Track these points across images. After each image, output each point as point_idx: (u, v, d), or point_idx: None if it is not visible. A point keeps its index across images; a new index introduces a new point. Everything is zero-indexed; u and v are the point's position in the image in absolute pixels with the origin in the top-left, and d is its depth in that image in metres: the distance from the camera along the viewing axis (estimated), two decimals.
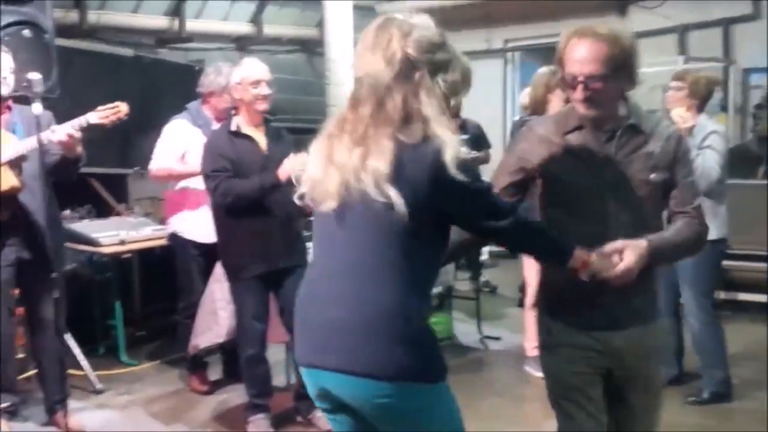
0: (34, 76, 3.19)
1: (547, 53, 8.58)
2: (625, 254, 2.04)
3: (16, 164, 3.46)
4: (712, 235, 3.83)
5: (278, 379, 4.13)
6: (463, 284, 6.29)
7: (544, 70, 4.48)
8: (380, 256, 1.82)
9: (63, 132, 3.34)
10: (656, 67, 6.31)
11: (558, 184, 2.21)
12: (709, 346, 4.01)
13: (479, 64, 8.75)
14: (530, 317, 4.58)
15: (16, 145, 3.44)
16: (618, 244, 2.06)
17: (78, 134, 3.37)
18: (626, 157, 2.16)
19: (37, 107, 3.22)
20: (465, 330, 5.39)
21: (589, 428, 2.21)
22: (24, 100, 3.50)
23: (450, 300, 5.40)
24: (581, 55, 2.09)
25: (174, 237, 4.34)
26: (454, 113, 1.96)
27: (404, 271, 1.82)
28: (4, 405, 3.17)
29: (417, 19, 1.89)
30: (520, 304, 5.44)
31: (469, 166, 1.83)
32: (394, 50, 1.82)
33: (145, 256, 5.18)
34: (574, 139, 2.20)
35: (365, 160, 1.80)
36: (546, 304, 2.33)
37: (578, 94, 2.11)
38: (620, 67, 2.08)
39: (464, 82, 1.96)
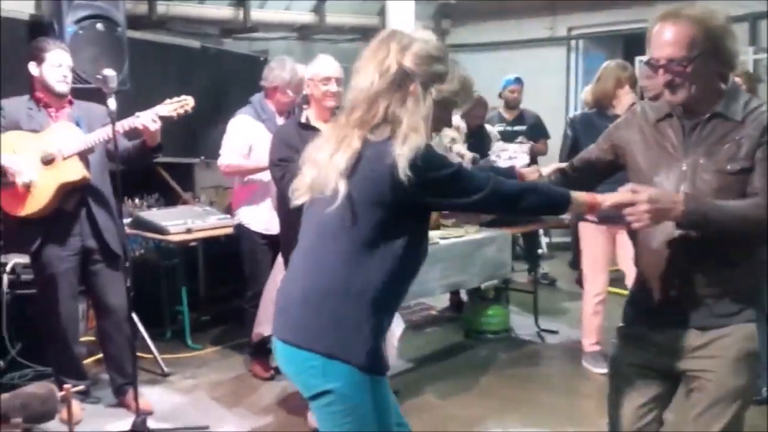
0: (109, 72, 3.30)
1: (613, 41, 8.50)
2: (639, 192, 2.00)
3: (84, 156, 3.60)
4: None
5: None
6: (521, 276, 6.27)
7: (612, 63, 4.39)
8: (327, 243, 2.00)
9: (148, 118, 3.47)
10: None
11: (638, 174, 2.20)
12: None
13: (542, 52, 8.64)
14: (587, 313, 4.55)
15: (86, 138, 3.57)
16: (637, 186, 2.04)
17: (159, 123, 3.49)
18: (711, 147, 2.08)
19: (111, 103, 3.34)
20: (522, 323, 5.38)
21: (621, 422, 2.29)
22: (90, 94, 3.63)
23: (507, 293, 5.38)
24: (663, 39, 2.06)
25: (240, 227, 4.42)
26: (448, 122, 2.13)
27: (352, 260, 1.96)
28: (78, 387, 3.30)
29: (419, 34, 2.03)
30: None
31: (432, 157, 1.93)
32: (389, 63, 1.96)
33: (210, 243, 5.32)
34: (663, 127, 2.17)
35: (332, 156, 1.98)
36: (630, 293, 2.37)
37: (660, 79, 2.08)
38: (708, 49, 2.02)
39: (463, 93, 2.09)
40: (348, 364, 1.94)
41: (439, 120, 2.07)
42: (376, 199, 1.94)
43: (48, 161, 3.56)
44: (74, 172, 3.58)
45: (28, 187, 3.55)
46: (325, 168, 1.99)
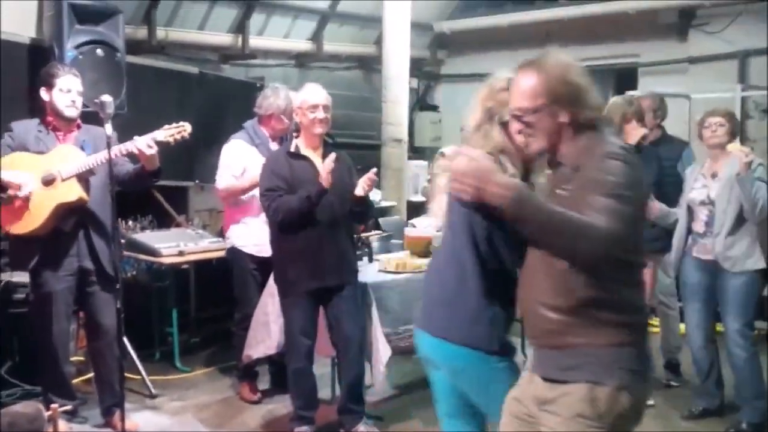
0: (107, 98, 3.38)
1: (605, 75, 8.59)
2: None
3: (83, 177, 3.67)
4: (758, 264, 3.88)
5: (324, 392, 4.23)
6: None
7: (619, 99, 4.38)
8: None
9: (144, 142, 3.54)
10: (716, 93, 6.25)
11: None
12: (751, 377, 3.98)
13: None
14: None
15: (85, 160, 3.65)
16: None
17: (155, 147, 3.57)
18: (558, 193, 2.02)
19: (108, 128, 3.41)
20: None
21: None
22: (93, 119, 3.71)
23: None
24: (514, 89, 2.09)
25: (232, 250, 4.46)
26: None
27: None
28: (63, 408, 3.33)
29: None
30: None
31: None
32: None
33: (202, 265, 5.36)
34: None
35: None
36: None
37: (513, 128, 2.11)
38: (557, 98, 2.00)
39: None
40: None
41: None
42: None
43: (48, 182, 3.64)
44: (71, 193, 3.64)
45: (27, 200, 3.62)
46: None
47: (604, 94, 8.12)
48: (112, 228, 3.69)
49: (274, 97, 4.37)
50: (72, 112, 3.76)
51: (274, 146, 4.37)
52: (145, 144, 3.58)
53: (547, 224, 1.87)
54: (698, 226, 4.04)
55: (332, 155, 3.58)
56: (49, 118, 3.78)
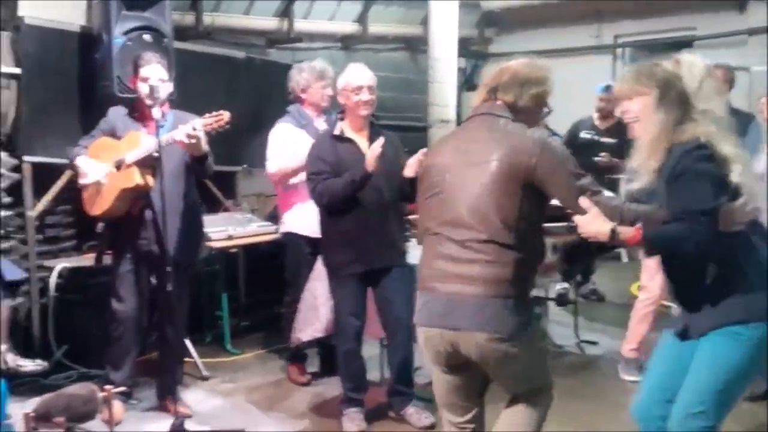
0: (156, 83, 3.41)
1: (660, 49, 8.37)
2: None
3: (146, 164, 3.69)
4: None
5: (373, 375, 4.22)
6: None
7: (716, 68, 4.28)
8: None
9: (183, 133, 3.56)
10: None
11: None
12: None
13: (587, 60, 8.56)
14: (635, 318, 4.50)
15: (143, 146, 3.69)
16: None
17: (197, 134, 3.57)
18: None
19: (156, 112, 3.45)
20: (561, 333, 5.33)
21: None
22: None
23: (545, 302, 5.34)
24: None
25: (288, 235, 4.43)
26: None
27: None
28: (118, 389, 3.39)
29: None
30: None
31: None
32: None
33: (251, 250, 5.40)
34: None
35: None
36: None
37: None
38: None
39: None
40: None
41: None
42: None
43: (119, 166, 3.71)
44: (132, 178, 3.70)
45: (97, 187, 3.73)
46: None
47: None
48: (190, 212, 3.80)
49: (296, 76, 4.37)
50: (150, 101, 3.75)
51: (320, 123, 4.34)
52: (184, 135, 3.58)
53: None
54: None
55: (380, 140, 3.51)
56: (137, 105, 3.85)
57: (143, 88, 3.75)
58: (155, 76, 3.77)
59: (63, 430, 2.94)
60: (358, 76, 3.68)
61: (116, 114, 3.89)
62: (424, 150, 3.58)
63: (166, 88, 3.81)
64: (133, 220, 3.80)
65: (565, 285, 5.67)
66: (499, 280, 2.30)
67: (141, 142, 3.71)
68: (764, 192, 3.83)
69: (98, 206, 3.79)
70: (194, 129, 3.55)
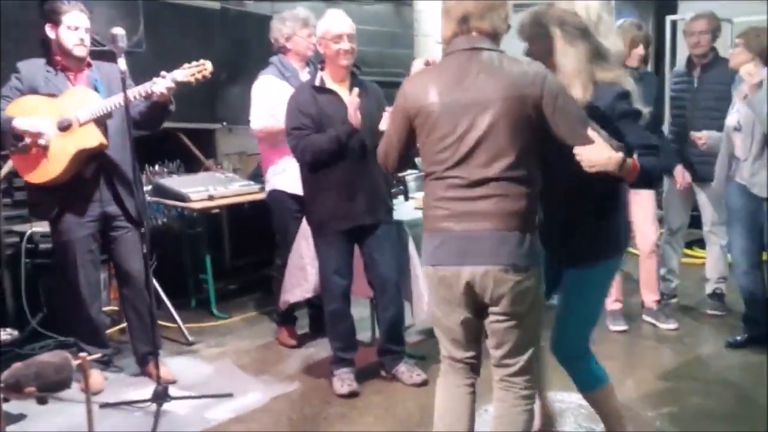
0: (118, 31, 3.18)
1: (644, 1, 8.14)
2: None
3: (101, 121, 3.50)
4: None
5: (364, 335, 4.11)
6: None
7: (626, 22, 4.28)
8: None
9: (163, 85, 3.36)
10: (761, 16, 5.81)
11: None
12: None
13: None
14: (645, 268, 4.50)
15: (102, 103, 3.47)
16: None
17: (173, 88, 3.38)
18: None
19: (122, 63, 3.22)
20: None
21: None
22: (105, 56, 3.52)
23: None
24: None
25: (273, 193, 4.24)
26: None
27: None
28: (95, 356, 3.24)
29: None
30: None
31: None
32: None
33: (234, 211, 5.23)
34: None
35: None
36: None
37: None
38: None
39: None
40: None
41: None
42: None
43: (64, 127, 3.48)
44: (91, 138, 3.48)
45: (45, 148, 3.47)
46: None
47: (644, 19, 7.70)
48: (134, 171, 3.53)
49: (278, 25, 4.17)
50: (81, 51, 3.55)
51: (305, 75, 4.14)
52: (164, 86, 3.38)
53: None
54: (737, 151, 3.90)
55: (355, 90, 3.35)
56: (57, 58, 3.57)
57: (69, 38, 3.50)
58: (83, 25, 3.53)
59: (35, 399, 2.77)
60: (338, 24, 3.49)
61: (32, 68, 3.57)
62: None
63: (89, 39, 3.58)
64: (85, 182, 3.58)
65: None
66: (513, 214, 2.28)
67: (89, 98, 3.48)
68: (739, 143, 3.79)
69: (45, 172, 3.50)
70: (174, 80, 3.34)
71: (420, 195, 4.58)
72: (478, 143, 2.27)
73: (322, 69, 3.58)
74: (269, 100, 4.08)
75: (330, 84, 3.54)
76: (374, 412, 3.47)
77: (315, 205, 3.59)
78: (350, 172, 3.47)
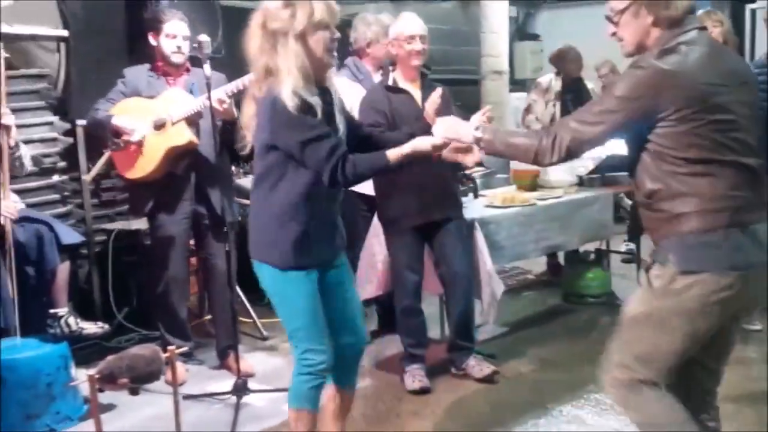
0: (204, 38, 3.34)
1: None
2: None
3: (192, 121, 3.67)
4: None
5: (433, 332, 4.15)
6: (620, 240, 6.01)
7: (703, 12, 4.13)
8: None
9: (214, 99, 3.49)
10: None
11: None
12: None
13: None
14: None
15: (191, 103, 3.63)
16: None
17: (228, 100, 3.51)
18: None
19: (207, 68, 3.38)
20: (625, 286, 5.15)
21: None
22: (196, 62, 3.69)
23: (608, 255, 5.17)
24: None
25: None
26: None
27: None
28: (183, 349, 3.39)
29: None
30: None
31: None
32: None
33: None
34: None
35: None
36: None
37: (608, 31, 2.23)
38: None
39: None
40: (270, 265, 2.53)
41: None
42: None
43: (159, 126, 3.66)
44: (181, 136, 3.66)
45: (140, 145, 3.67)
46: None
47: (721, 8, 7.52)
48: (222, 170, 3.69)
49: (364, 27, 4.26)
50: (178, 58, 3.75)
51: (377, 78, 4.23)
52: (215, 100, 3.50)
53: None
54: None
55: (438, 90, 3.41)
56: (159, 64, 3.79)
57: (168, 45, 3.70)
58: (181, 33, 3.72)
59: (127, 390, 2.93)
60: (411, 26, 3.58)
61: (137, 74, 3.80)
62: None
63: (187, 46, 3.75)
64: (176, 179, 3.75)
65: (632, 246, 5.56)
66: None
67: (183, 99, 3.65)
68: None
69: (140, 168, 3.72)
70: (238, 87, 3.48)
71: (489, 192, 4.63)
72: None
73: (393, 70, 3.68)
74: None
75: (402, 84, 3.63)
76: (446, 409, 3.51)
77: (387, 202, 3.67)
78: (421, 168, 3.50)
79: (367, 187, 4.07)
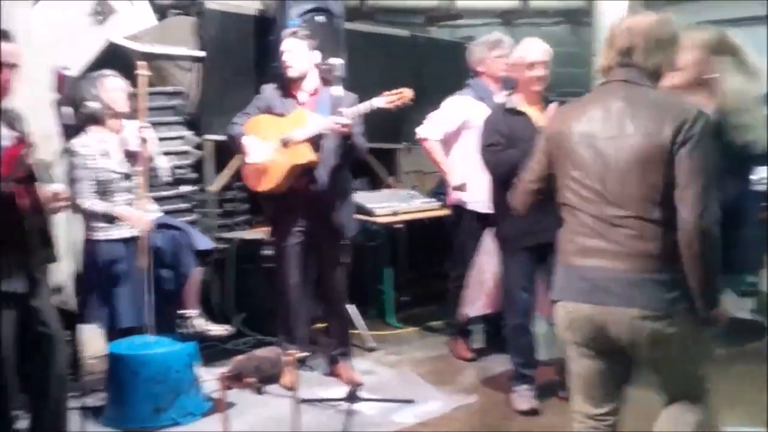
0: (336, 60, 3.53)
1: None
2: None
3: (314, 140, 3.85)
4: None
5: (542, 354, 4.14)
6: None
7: None
8: None
9: (337, 122, 3.68)
10: None
11: None
12: None
13: (761, 31, 7.95)
14: None
15: (317, 124, 3.82)
16: None
17: (351, 122, 3.70)
18: None
19: (337, 90, 3.56)
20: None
21: None
22: (328, 81, 3.89)
23: None
24: None
25: (456, 207, 4.47)
26: None
27: None
28: (303, 354, 3.57)
29: None
30: None
31: None
32: None
33: (412, 226, 5.46)
34: None
35: None
36: None
37: None
38: None
39: None
40: None
41: None
42: None
43: (285, 143, 3.87)
44: (304, 155, 3.86)
45: (263, 164, 3.89)
46: None
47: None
48: (344, 187, 3.88)
49: (473, 49, 4.43)
50: (291, 72, 3.92)
51: (499, 98, 4.32)
52: (366, 109, 3.68)
53: None
54: None
55: (551, 106, 3.48)
56: (287, 82, 4.00)
57: (281, 63, 3.91)
58: (289, 49, 3.90)
59: (253, 389, 3.12)
60: (534, 52, 3.66)
61: (270, 91, 4.02)
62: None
63: (300, 62, 3.92)
64: (298, 194, 3.94)
65: None
66: (646, 255, 2.16)
67: (309, 120, 3.84)
68: None
69: (265, 182, 3.94)
70: (373, 105, 3.65)
71: None
72: (612, 180, 2.21)
73: (513, 93, 3.77)
74: (453, 116, 4.36)
75: (521, 106, 3.70)
76: None
77: (504, 221, 3.72)
78: None
79: (479, 205, 4.18)
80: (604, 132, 2.23)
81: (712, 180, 2.12)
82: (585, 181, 2.25)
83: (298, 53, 3.92)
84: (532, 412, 3.67)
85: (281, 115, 3.95)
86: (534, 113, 3.67)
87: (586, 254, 2.25)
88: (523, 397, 3.72)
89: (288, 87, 4.00)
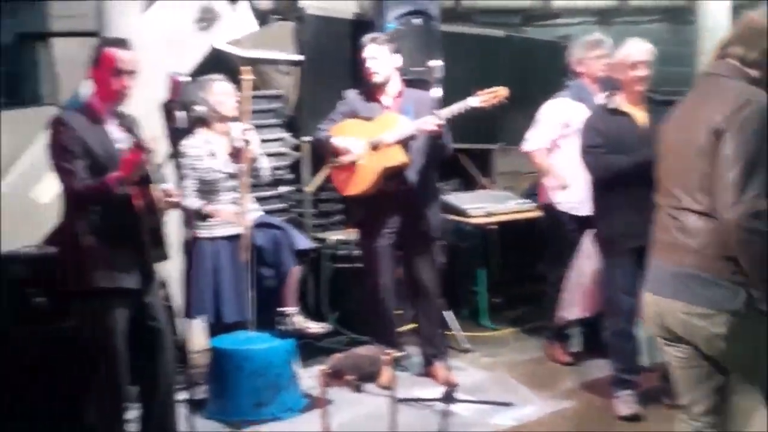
0: (436, 63, 3.54)
1: None
2: None
3: (405, 142, 3.88)
4: None
5: (644, 358, 4.04)
6: None
7: None
8: None
9: (432, 122, 3.70)
10: None
11: None
12: None
13: None
14: None
15: (406, 126, 3.85)
16: None
17: (444, 122, 3.70)
18: None
19: (436, 91, 3.58)
20: None
21: None
22: (419, 84, 3.91)
23: None
24: None
25: (551, 209, 4.42)
26: None
27: None
28: (401, 354, 3.60)
29: None
30: None
31: None
32: None
33: (505, 227, 5.41)
34: None
35: None
36: None
37: None
38: None
39: None
40: None
41: None
42: None
43: (375, 146, 3.91)
44: (395, 157, 3.89)
45: (355, 164, 3.94)
46: None
47: None
48: (432, 188, 3.87)
49: (573, 50, 4.37)
50: (376, 78, 3.97)
51: (600, 99, 4.25)
52: (433, 124, 3.69)
53: None
54: None
55: None
56: (371, 86, 4.05)
57: (365, 68, 3.95)
58: (371, 56, 3.94)
59: (351, 387, 3.16)
60: (637, 52, 3.60)
61: (353, 96, 4.08)
62: None
63: (383, 68, 3.96)
64: (389, 196, 3.96)
65: None
66: (691, 250, 2.14)
67: (399, 123, 3.87)
68: None
69: (356, 185, 3.98)
70: (468, 105, 3.63)
71: None
72: (675, 173, 2.27)
73: (615, 93, 3.69)
74: (554, 121, 4.30)
75: (623, 107, 3.63)
76: None
77: (605, 223, 3.67)
78: (640, 191, 3.46)
79: (577, 207, 4.10)
80: (674, 126, 2.29)
81: (753, 170, 2.01)
82: (661, 176, 2.34)
83: (381, 59, 3.97)
84: (634, 418, 3.59)
85: (367, 119, 3.99)
86: (637, 113, 3.60)
87: (655, 247, 2.35)
88: (625, 402, 3.63)
89: (371, 91, 4.04)
